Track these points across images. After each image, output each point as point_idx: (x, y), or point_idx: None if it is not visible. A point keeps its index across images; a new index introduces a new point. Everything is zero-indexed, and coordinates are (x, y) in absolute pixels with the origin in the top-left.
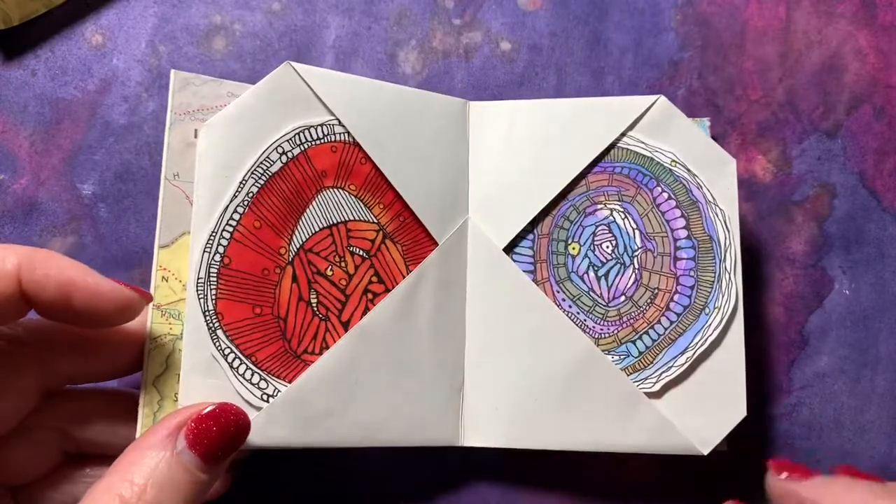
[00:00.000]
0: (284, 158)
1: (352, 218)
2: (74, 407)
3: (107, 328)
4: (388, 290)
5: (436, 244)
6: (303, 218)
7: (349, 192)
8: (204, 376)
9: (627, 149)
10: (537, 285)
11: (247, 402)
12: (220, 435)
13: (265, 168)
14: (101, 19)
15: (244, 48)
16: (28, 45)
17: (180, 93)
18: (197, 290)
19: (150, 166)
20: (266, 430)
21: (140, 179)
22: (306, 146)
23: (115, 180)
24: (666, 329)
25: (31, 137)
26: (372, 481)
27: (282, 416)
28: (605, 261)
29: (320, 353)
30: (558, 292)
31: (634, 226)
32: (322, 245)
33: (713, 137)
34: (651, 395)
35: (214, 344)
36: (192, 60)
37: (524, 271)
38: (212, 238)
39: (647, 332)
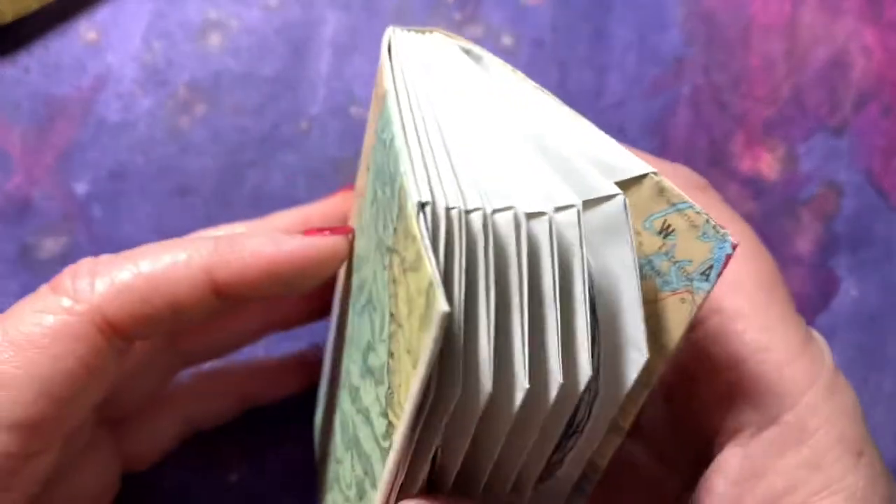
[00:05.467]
0: None
1: None
2: (195, 390)
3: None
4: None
5: None
6: None
7: None
8: None
9: None
10: None
11: None
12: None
13: None
14: (95, 15)
15: (240, 44)
16: (21, 41)
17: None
18: None
19: (144, 164)
20: None
21: (134, 178)
22: None
23: (110, 179)
24: None
25: (25, 135)
26: None
27: None
28: None
29: None
30: None
31: None
32: None
33: (722, 139)
34: None
35: None
36: (188, 57)
37: None
38: None
39: None
